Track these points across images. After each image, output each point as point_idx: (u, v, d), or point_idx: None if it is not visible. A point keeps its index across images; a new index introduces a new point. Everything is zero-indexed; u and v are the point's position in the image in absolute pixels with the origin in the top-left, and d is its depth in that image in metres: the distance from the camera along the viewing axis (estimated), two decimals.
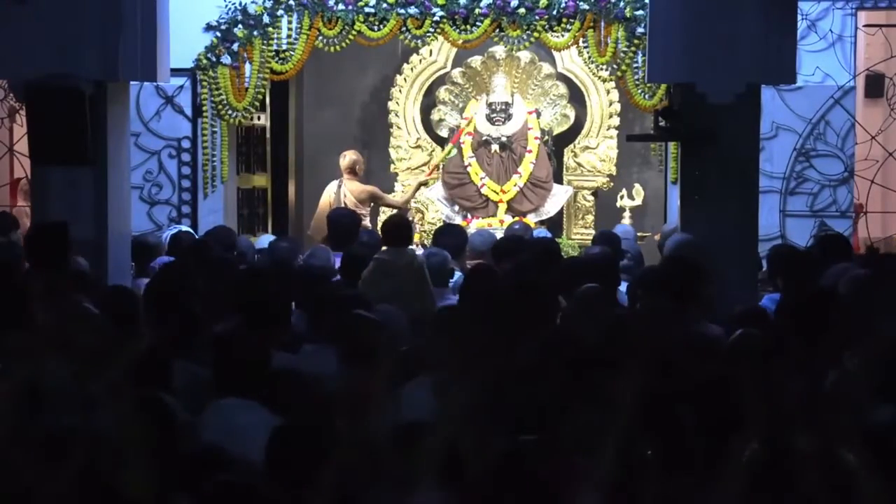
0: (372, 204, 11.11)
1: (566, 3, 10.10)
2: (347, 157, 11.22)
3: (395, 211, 10.86)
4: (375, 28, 10.24)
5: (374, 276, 7.16)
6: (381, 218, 11.59)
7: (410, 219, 10.23)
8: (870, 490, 3.24)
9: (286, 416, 4.46)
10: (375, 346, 5.04)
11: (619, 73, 10.26)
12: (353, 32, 10.25)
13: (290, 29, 10.26)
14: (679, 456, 3.65)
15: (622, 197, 11.52)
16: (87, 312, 5.53)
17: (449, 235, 8.38)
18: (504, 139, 11.58)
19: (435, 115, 11.91)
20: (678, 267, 6.29)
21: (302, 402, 4.51)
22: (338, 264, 7.66)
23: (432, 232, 9.90)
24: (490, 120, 11.62)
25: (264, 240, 9.22)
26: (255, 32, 10.24)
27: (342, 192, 11.04)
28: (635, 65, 10.09)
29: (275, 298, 5.65)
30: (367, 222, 10.91)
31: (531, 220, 11.20)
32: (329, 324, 5.55)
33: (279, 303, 5.68)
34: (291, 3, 10.21)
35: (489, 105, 11.64)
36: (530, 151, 11.56)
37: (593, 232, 11.54)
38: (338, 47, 10.34)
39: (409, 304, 6.60)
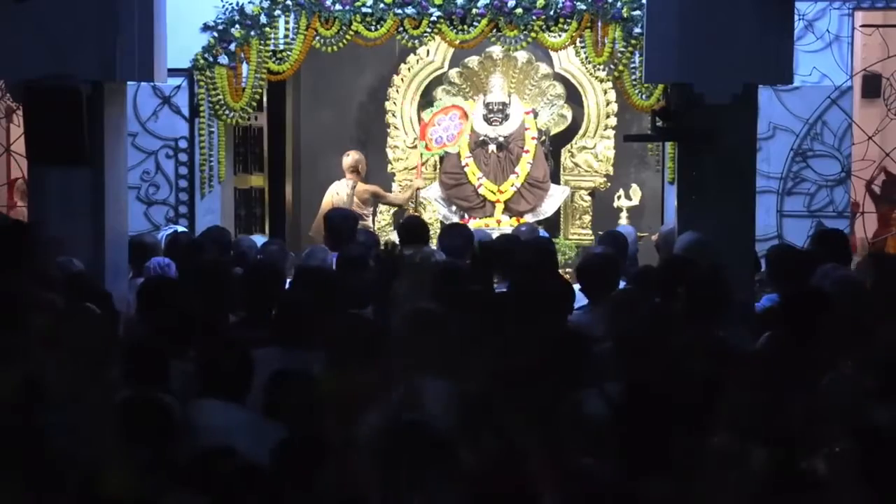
0: (374, 202, 11.17)
1: (563, 3, 10.10)
2: (350, 157, 11.27)
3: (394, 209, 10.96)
4: (372, 28, 10.23)
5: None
6: (380, 217, 11.65)
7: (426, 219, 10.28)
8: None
9: (280, 416, 4.46)
10: (368, 347, 5.03)
11: (616, 74, 10.26)
12: (351, 32, 10.24)
13: (287, 29, 10.26)
14: (676, 458, 3.65)
15: (619, 197, 11.52)
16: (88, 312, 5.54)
17: (452, 236, 8.35)
18: (501, 139, 11.57)
19: None
20: (685, 267, 6.29)
21: (297, 404, 4.50)
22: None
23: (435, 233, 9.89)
24: (487, 120, 11.62)
25: (257, 240, 9.21)
26: (253, 32, 10.23)
27: (344, 191, 11.07)
28: (632, 65, 10.09)
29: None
30: (368, 222, 10.92)
31: (528, 220, 11.20)
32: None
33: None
34: (289, 3, 10.21)
35: (486, 105, 11.64)
36: (527, 151, 11.55)
37: (590, 232, 11.57)
38: (335, 47, 10.34)
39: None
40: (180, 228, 9.49)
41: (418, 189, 11.54)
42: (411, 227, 8.15)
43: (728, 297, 5.90)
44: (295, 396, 4.54)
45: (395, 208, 11.67)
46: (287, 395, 4.57)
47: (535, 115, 11.71)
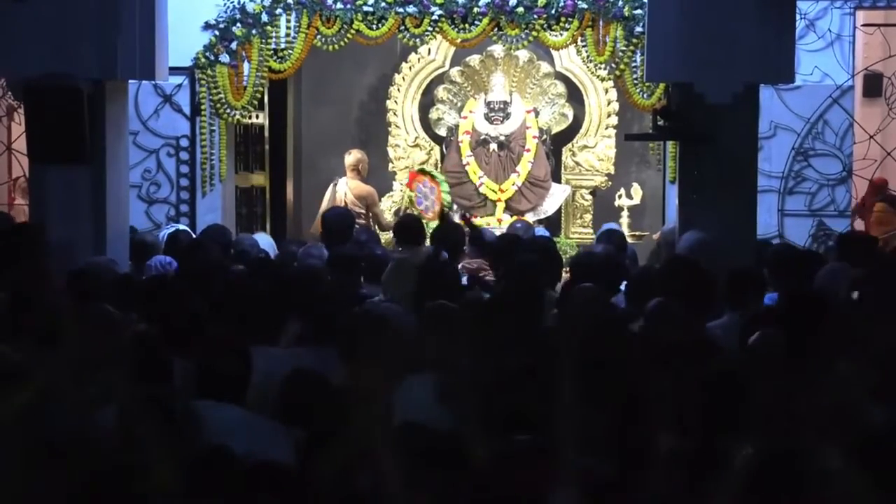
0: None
1: (565, 1, 10.10)
2: (353, 155, 11.25)
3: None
4: (374, 27, 10.23)
5: (393, 276, 7.19)
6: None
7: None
8: (856, 493, 3.23)
9: (296, 418, 4.44)
10: (378, 343, 5.04)
11: (617, 73, 10.26)
12: (352, 31, 10.25)
13: (288, 28, 10.26)
14: (676, 456, 3.65)
15: (620, 196, 11.52)
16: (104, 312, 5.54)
17: (446, 235, 8.37)
18: (502, 138, 11.58)
19: (433, 114, 11.91)
20: (687, 267, 6.29)
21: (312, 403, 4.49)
22: None
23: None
24: (488, 119, 11.62)
25: (260, 238, 9.21)
26: (254, 31, 10.23)
27: (343, 189, 11.06)
28: (634, 64, 10.09)
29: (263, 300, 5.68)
30: (363, 221, 10.90)
31: (529, 219, 11.20)
32: (327, 323, 5.56)
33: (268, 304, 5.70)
34: (290, 1, 10.21)
35: (487, 104, 11.64)
36: (528, 150, 11.56)
37: (591, 231, 11.56)
38: (336, 46, 10.34)
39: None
40: (182, 227, 9.48)
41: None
42: (407, 227, 8.18)
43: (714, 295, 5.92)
44: (312, 396, 4.52)
45: (397, 206, 11.66)
46: (304, 395, 4.55)
47: (537, 113, 11.72)
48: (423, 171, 11.52)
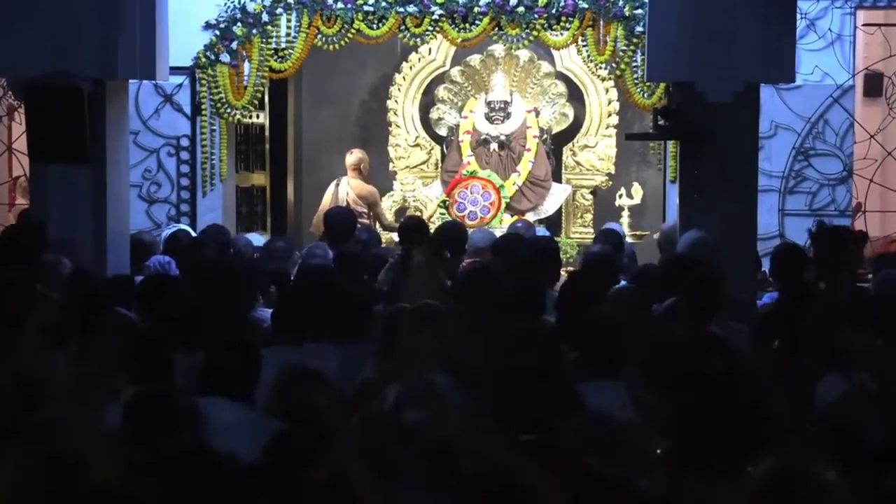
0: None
1: (565, 1, 10.09)
2: (354, 155, 11.23)
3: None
4: (374, 26, 10.23)
5: (392, 275, 7.20)
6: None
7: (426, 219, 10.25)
8: None
9: (295, 414, 4.44)
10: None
11: (617, 72, 10.25)
12: (352, 31, 10.24)
13: (289, 27, 10.26)
14: (689, 458, 3.62)
15: (621, 195, 11.52)
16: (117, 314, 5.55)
17: (449, 234, 8.38)
18: (503, 138, 11.58)
19: (434, 114, 11.91)
20: (690, 266, 6.28)
21: (310, 400, 4.49)
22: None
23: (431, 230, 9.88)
24: (489, 119, 11.62)
25: (255, 238, 9.23)
26: (255, 31, 10.23)
27: (344, 189, 11.05)
28: (634, 63, 10.09)
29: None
30: (365, 220, 10.90)
31: (530, 218, 11.20)
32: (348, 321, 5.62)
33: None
34: (290, 1, 10.21)
35: (488, 104, 11.64)
36: (529, 150, 11.56)
37: (592, 230, 11.57)
38: (337, 46, 10.34)
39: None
40: (182, 227, 9.47)
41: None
42: (412, 228, 8.18)
43: (722, 295, 5.91)
44: (306, 394, 4.52)
45: (397, 206, 11.65)
46: (301, 393, 4.55)
47: (537, 113, 11.72)
48: (472, 174, 11.43)
